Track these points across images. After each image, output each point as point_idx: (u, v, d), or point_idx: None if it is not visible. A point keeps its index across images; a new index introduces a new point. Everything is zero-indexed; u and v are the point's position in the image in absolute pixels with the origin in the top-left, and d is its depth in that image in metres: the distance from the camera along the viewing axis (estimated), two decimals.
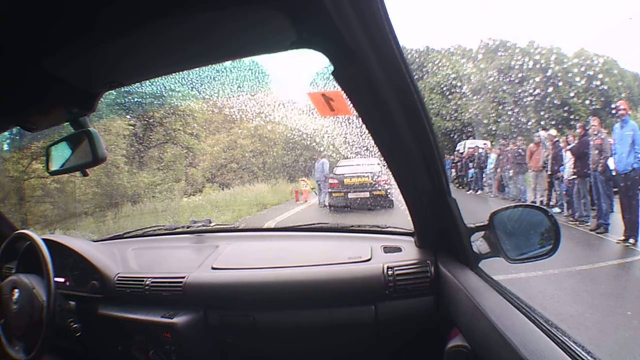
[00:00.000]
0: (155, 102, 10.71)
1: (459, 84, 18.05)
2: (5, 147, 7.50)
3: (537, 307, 0.77)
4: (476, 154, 10.79)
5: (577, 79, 16.47)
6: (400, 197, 0.97)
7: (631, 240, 4.54)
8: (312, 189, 9.65)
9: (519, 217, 0.98)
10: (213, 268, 1.25)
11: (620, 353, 2.29)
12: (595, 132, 5.43)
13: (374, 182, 7.45)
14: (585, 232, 5.31)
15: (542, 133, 7.84)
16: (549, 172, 6.95)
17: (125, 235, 1.64)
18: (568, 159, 6.07)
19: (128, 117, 9.95)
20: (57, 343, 1.21)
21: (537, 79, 15.78)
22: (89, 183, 8.40)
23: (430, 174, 0.84)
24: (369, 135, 0.75)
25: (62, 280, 1.33)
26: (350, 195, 7.55)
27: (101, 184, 8.83)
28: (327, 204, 7.99)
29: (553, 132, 7.17)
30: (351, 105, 0.68)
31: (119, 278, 1.27)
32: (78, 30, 0.49)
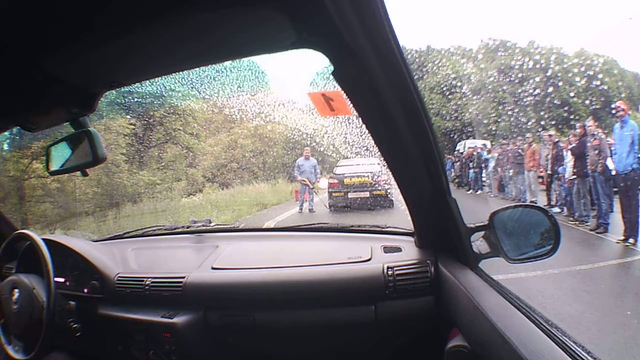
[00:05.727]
0: (155, 102, 10.68)
1: (459, 84, 18.06)
2: (5, 147, 7.48)
3: (537, 307, 0.77)
4: (476, 154, 10.79)
5: (577, 79, 16.50)
6: (400, 197, 0.97)
7: (631, 240, 4.54)
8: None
9: (519, 217, 0.98)
10: (213, 268, 1.25)
11: (620, 353, 2.29)
12: (593, 133, 5.44)
13: (374, 182, 7.44)
14: (585, 232, 5.31)
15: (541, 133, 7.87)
16: (549, 172, 6.95)
17: (125, 235, 1.64)
18: (569, 158, 6.08)
19: (128, 116, 9.93)
20: (57, 343, 1.21)
21: (537, 79, 15.81)
22: (89, 183, 8.38)
23: (430, 174, 0.84)
24: (369, 135, 0.75)
25: (62, 280, 1.33)
26: (350, 195, 7.54)
27: (101, 183, 8.82)
28: (311, 208, 7.94)
29: (552, 132, 7.19)
30: (351, 105, 0.68)
31: (119, 278, 1.27)
32: (78, 30, 0.49)
